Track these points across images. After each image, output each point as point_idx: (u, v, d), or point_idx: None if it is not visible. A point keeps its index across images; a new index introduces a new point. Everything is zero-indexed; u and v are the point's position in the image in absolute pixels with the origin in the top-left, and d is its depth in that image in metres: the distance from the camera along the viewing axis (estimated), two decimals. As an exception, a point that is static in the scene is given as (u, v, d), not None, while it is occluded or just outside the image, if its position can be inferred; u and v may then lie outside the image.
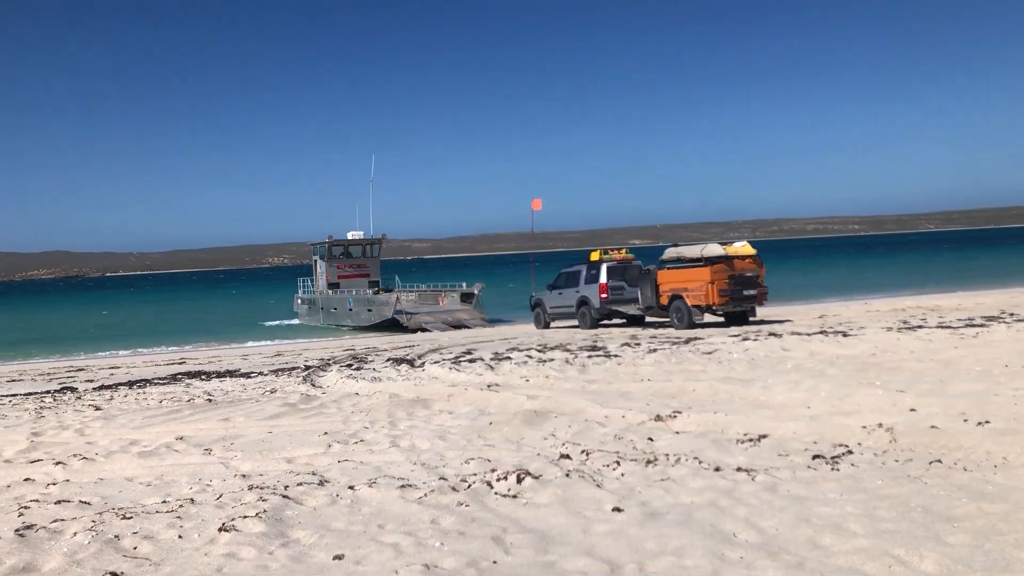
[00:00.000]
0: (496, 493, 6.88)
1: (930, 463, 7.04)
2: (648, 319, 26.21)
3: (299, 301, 46.48)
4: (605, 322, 26.67)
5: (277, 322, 46.80)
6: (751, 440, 8.19)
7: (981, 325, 19.85)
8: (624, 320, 26.67)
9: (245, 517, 6.46)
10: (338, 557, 5.62)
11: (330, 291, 43.54)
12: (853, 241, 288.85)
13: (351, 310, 40.83)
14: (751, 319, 24.25)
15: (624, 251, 27.31)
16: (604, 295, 25.70)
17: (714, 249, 23.34)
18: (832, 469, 7.06)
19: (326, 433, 10.07)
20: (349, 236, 45.30)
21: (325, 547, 5.85)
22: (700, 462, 7.43)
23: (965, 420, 8.51)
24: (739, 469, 7.14)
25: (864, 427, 8.39)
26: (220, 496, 7.24)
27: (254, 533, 6.14)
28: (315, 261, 45.80)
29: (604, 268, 25.93)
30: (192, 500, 7.16)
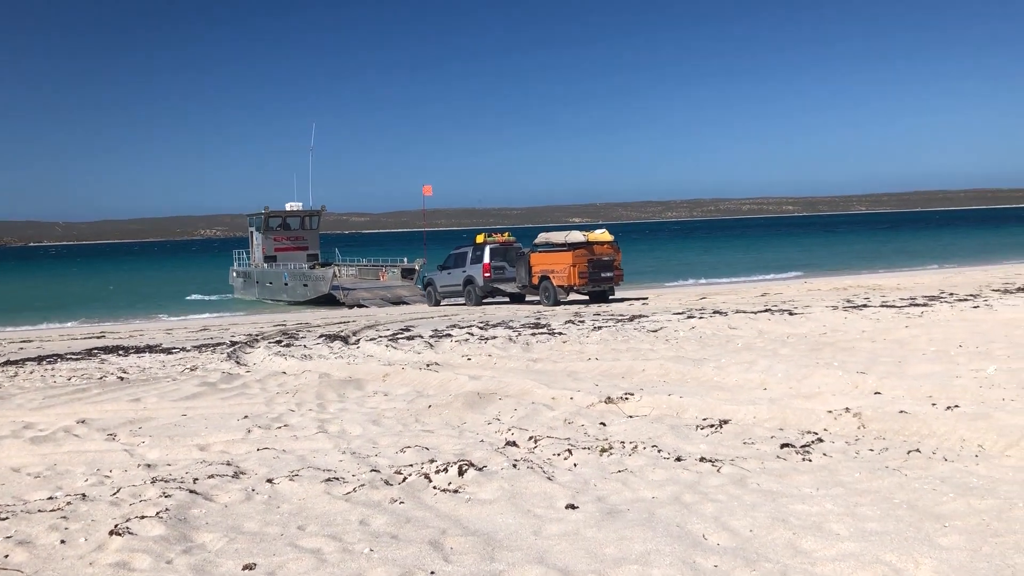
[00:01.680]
0: (435, 487, 6.11)
1: (908, 452, 6.48)
2: (528, 297, 28.04)
3: (234, 274, 44.92)
4: (488, 300, 28.74)
5: (209, 296, 45.15)
6: (712, 426, 7.55)
7: (924, 305, 19.73)
8: (507, 299, 28.68)
9: (143, 517, 5.58)
10: (248, 567, 4.80)
11: (266, 264, 42.14)
12: (787, 221, 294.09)
13: (287, 284, 39.55)
14: (610, 297, 27.07)
15: (507, 234, 29.50)
16: (488, 274, 27.86)
17: (576, 236, 26.17)
18: (803, 459, 6.45)
19: (246, 416, 9.16)
20: (287, 207, 43.84)
21: (234, 554, 5.02)
22: (659, 451, 6.76)
23: (933, 404, 8.02)
24: (702, 459, 6.48)
25: (830, 412, 7.83)
26: (118, 491, 6.33)
27: (152, 537, 5.26)
28: (251, 233, 44.25)
29: (488, 250, 28.08)
30: (84, 496, 6.23)
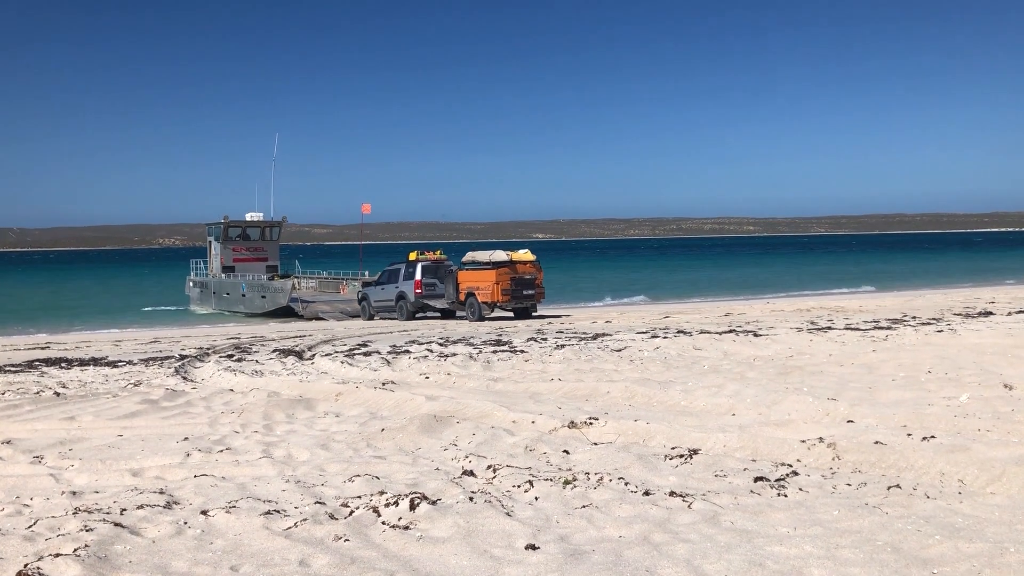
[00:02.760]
0: (384, 523, 5.62)
1: (888, 488, 6.12)
2: (458, 313, 28.86)
3: (191, 284, 43.92)
4: (420, 316, 29.79)
5: (167, 307, 44.07)
6: (681, 456, 7.14)
7: (888, 328, 19.65)
8: (438, 315, 29.66)
9: (59, 555, 5.03)
10: (170, 617, 4.29)
11: (224, 275, 41.24)
12: (747, 241, 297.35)
13: (244, 296, 38.73)
14: (533, 314, 28.44)
15: (439, 252, 30.68)
16: (419, 291, 28.99)
17: (499, 255, 27.47)
18: (778, 494, 6.07)
19: (186, 439, 8.58)
20: (247, 217, 43.01)
21: (156, 600, 4.50)
22: (626, 483, 6.33)
23: (909, 435, 7.71)
24: (672, 493, 6.07)
25: (803, 442, 7.48)
26: (35, 523, 5.75)
27: (65, 579, 4.72)
28: (210, 242, 43.33)
29: (419, 267, 29.18)
30: (-4, 529, 5.66)
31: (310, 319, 33.18)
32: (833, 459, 7.13)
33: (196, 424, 9.35)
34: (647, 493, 6.09)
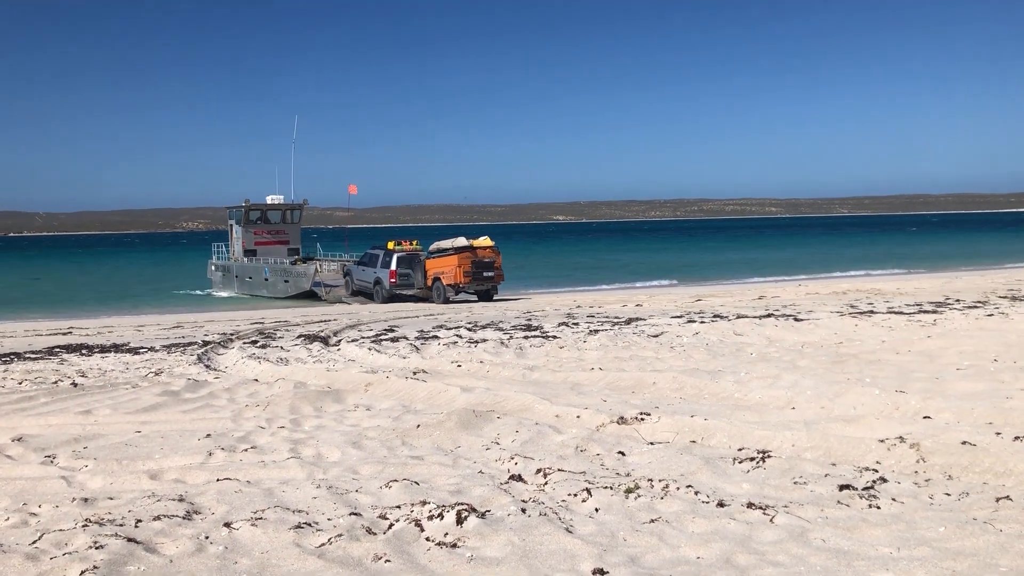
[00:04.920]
0: (428, 539, 5.00)
1: (997, 500, 5.42)
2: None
3: (213, 268, 43.55)
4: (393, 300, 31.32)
5: (187, 291, 43.75)
6: (752, 460, 6.45)
7: (934, 312, 18.85)
8: (412, 300, 31.13)
9: (64, 578, 4.45)
10: (189, 659, 3.69)
11: (246, 258, 40.82)
12: (771, 222, 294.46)
13: (267, 280, 38.30)
14: (495, 297, 30.36)
15: (415, 243, 32.49)
16: (393, 280, 31.08)
17: (461, 241, 29.74)
18: (870, 506, 5.39)
19: (209, 435, 8.00)
20: (268, 200, 42.50)
21: (173, 636, 3.90)
22: (696, 492, 5.66)
23: (998, 433, 6.99)
24: (750, 504, 5.39)
25: (882, 441, 6.77)
26: (39, 537, 5.18)
27: (71, 608, 4.14)
28: (231, 226, 42.87)
29: (395, 258, 31.05)
30: (-2, 543, 5.09)
31: (333, 303, 32.76)
32: (918, 461, 6.43)
33: (219, 419, 8.78)
34: (721, 504, 5.43)
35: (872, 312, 19.18)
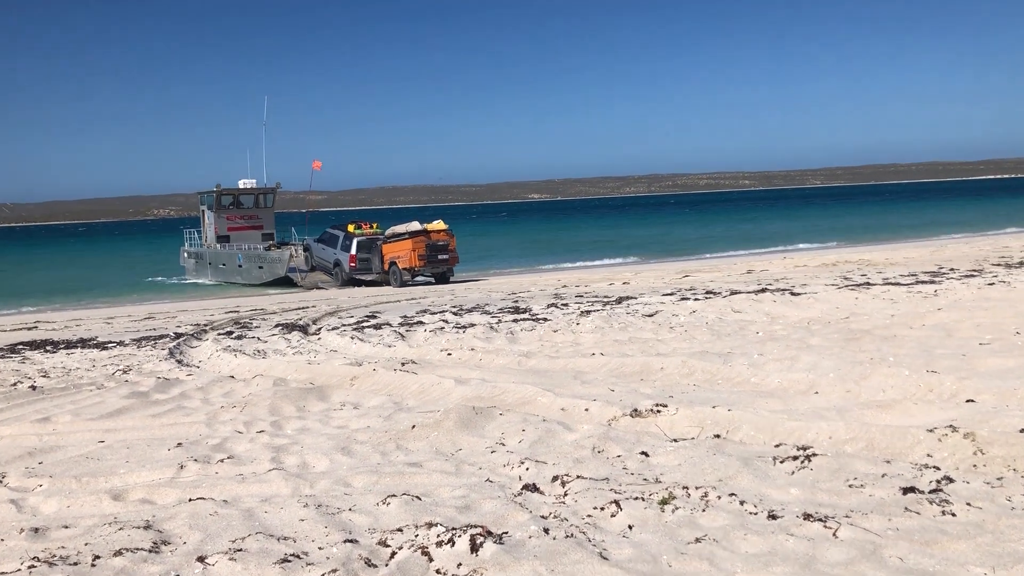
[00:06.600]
0: (439, 572, 4.25)
1: (1088, 503, 4.75)
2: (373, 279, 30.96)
3: (185, 255, 42.43)
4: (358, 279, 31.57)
5: (170, 279, 42.58)
6: (795, 458, 5.72)
7: (931, 282, 18.31)
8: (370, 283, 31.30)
9: (4, 639, 3.67)
10: None
11: (219, 245, 39.74)
12: (745, 195, 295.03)
13: (241, 266, 37.29)
14: (451, 279, 30.88)
15: (375, 225, 32.82)
16: (353, 264, 31.44)
17: (415, 226, 30.35)
18: (943, 512, 4.69)
19: (180, 444, 7.18)
20: (240, 184, 41.35)
21: None
22: (741, 501, 4.94)
23: (1054, 417, 6.34)
24: (806, 516, 4.68)
25: (931, 431, 6.10)
26: (-22, 583, 4.39)
27: None
28: (203, 212, 41.71)
29: (355, 242, 31.37)
30: (-72, 593, 4.30)
31: (310, 289, 31.92)
32: (975, 454, 5.75)
33: (192, 423, 7.96)
34: (773, 516, 4.71)
35: (869, 284, 18.61)
